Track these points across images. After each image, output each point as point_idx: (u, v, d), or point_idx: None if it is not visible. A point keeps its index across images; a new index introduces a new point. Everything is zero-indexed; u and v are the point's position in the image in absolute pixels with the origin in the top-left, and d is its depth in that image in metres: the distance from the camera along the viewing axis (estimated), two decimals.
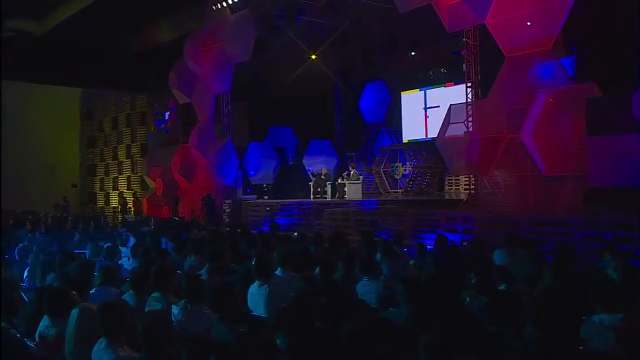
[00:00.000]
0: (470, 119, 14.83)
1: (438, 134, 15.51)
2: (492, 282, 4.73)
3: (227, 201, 19.86)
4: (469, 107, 15.03)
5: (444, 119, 15.35)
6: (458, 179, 22.15)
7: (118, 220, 24.42)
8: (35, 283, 6.71)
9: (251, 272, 6.11)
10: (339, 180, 18.67)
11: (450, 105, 15.35)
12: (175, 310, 4.64)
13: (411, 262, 7.26)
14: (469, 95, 15.22)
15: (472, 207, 14.69)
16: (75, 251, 8.19)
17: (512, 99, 13.81)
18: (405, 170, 22.77)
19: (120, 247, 8.99)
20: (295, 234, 10.08)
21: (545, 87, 13.08)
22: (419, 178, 22.33)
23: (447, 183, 22.73)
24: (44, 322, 4.22)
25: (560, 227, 10.34)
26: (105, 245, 9.11)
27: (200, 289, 4.71)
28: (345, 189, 17.90)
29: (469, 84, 15.27)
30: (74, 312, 3.87)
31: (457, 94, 19.89)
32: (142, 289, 5.24)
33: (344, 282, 5.40)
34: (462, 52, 15.12)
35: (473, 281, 4.76)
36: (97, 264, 6.59)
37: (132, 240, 10.00)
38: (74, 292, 4.31)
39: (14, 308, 5.00)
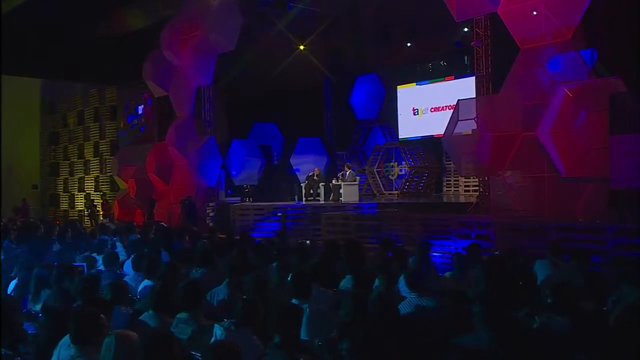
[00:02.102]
0: (480, 115, 14.65)
1: (445, 132, 15.31)
2: (573, 300, 4.50)
3: (210, 204, 19.47)
4: (479, 102, 14.87)
5: (452, 116, 15.16)
6: (457, 180, 22.13)
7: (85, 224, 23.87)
8: (26, 301, 6.32)
9: (268, 286, 5.85)
10: (334, 182, 18.39)
11: (459, 100, 15.15)
12: (217, 331, 4.39)
13: (447, 274, 7.02)
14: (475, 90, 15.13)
15: (483, 211, 14.54)
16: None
17: (527, 94, 13.68)
18: (400, 170, 22.64)
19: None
20: (308, 242, 9.78)
21: (564, 82, 12.97)
22: (415, 179, 22.21)
23: (445, 184, 22.66)
24: (67, 350, 3.85)
25: (591, 234, 10.21)
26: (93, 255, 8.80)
27: (252, 309, 4.46)
28: (341, 190, 17.62)
29: (478, 78, 15.08)
30: (109, 342, 3.52)
31: (459, 88, 19.96)
32: (165, 309, 4.92)
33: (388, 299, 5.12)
34: (473, 44, 15.00)
35: (549, 300, 4.52)
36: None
37: (120, 249, 9.65)
38: (102, 315, 3.96)
39: (17, 333, 4.63)
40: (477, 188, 20.62)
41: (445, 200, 20.64)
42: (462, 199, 20.23)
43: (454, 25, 19.08)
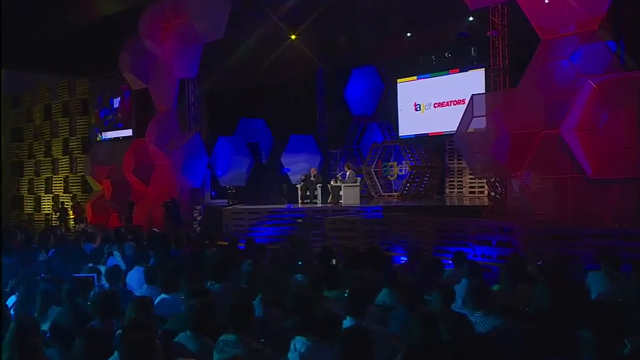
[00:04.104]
0: (496, 111, 14.53)
1: (458, 129, 15.20)
2: None
3: (197, 207, 19.14)
4: (496, 97, 14.77)
5: (465, 111, 15.05)
6: (461, 181, 22.09)
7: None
8: None
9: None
10: (332, 183, 18.18)
11: (473, 95, 15.07)
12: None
13: (495, 287, 6.82)
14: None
15: (500, 215, 14.41)
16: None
17: (548, 89, 13.59)
18: (400, 170, 22.49)
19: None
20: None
21: (591, 75, 12.88)
22: (417, 180, 22.06)
23: (448, 185, 22.57)
24: None
25: (630, 241, 10.11)
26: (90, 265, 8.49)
27: (336, 325, 4.42)
28: (341, 192, 17.41)
29: (494, 71, 14.97)
30: None
31: (465, 82, 19.94)
32: (205, 329, 4.66)
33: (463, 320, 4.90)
34: (489, 33, 14.85)
35: None
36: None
37: (118, 258, 9.34)
38: (157, 340, 3.69)
39: (38, 358, 4.34)
40: (482, 190, 20.70)
41: (448, 202, 20.51)
42: (466, 202, 20.13)
43: (457, 14, 19.06)
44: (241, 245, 11.44)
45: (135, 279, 7.71)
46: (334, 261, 8.58)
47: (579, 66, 13.22)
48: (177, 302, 6.24)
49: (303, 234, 13.97)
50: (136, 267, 7.98)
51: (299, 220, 14.96)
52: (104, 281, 7.28)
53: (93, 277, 6.76)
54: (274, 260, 8.25)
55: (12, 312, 6.23)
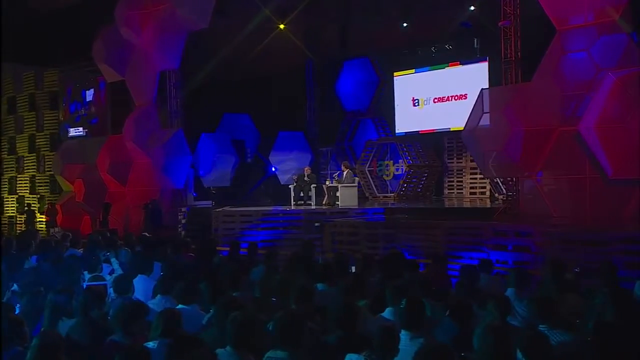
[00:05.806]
0: (509, 106, 14.49)
1: (467, 125, 15.13)
2: None
3: (182, 209, 18.88)
4: (508, 92, 14.74)
5: (475, 107, 14.98)
6: (461, 181, 22.07)
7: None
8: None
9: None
10: (328, 183, 18.07)
11: (482, 89, 15.03)
12: None
13: None
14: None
15: (512, 218, 14.38)
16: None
17: (565, 83, 13.60)
18: (397, 169, 22.44)
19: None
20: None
21: (611, 69, 12.89)
22: (414, 180, 22.01)
23: (447, 185, 22.54)
24: None
25: None
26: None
27: (394, 340, 4.32)
28: (338, 193, 17.28)
29: (506, 63, 14.95)
30: None
31: (467, 75, 19.96)
32: (249, 345, 4.50)
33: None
34: (500, 24, 14.81)
35: None
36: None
37: (115, 264, 9.13)
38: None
39: None
40: (484, 190, 20.73)
41: (447, 204, 20.44)
42: (467, 203, 20.11)
43: (458, 2, 19.08)
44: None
45: (140, 289, 7.48)
46: (353, 268, 8.43)
47: (598, 59, 13.22)
48: (197, 314, 6.08)
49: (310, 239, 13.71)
50: (139, 275, 7.74)
51: (317, 224, 14.69)
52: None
53: (105, 285, 6.54)
54: (294, 267, 8.05)
55: None
